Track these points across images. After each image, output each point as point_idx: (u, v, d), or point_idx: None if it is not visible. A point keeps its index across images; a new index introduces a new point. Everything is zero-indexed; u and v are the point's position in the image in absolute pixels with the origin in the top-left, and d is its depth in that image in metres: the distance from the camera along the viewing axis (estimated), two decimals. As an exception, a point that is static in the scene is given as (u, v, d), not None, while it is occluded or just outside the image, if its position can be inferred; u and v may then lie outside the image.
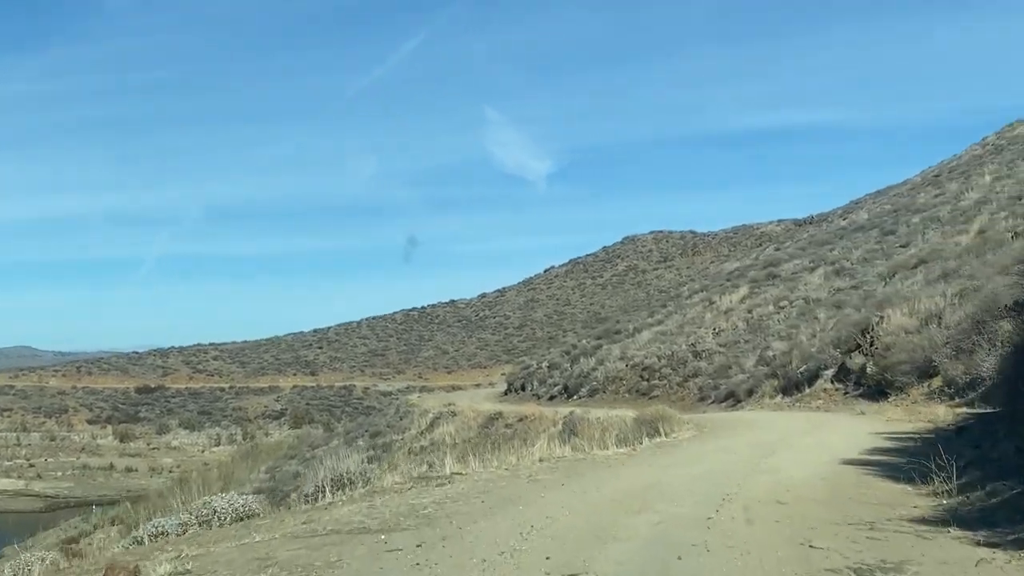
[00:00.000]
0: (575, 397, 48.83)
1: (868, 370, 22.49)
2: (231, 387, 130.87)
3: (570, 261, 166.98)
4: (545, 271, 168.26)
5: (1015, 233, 30.79)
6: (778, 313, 42.35)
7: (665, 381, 41.31)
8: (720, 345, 41.23)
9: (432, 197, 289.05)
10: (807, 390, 25.86)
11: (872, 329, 24.06)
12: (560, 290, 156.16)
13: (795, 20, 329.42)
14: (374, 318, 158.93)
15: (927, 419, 15.90)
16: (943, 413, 15.72)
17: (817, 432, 14.73)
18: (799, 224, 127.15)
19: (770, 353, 33.50)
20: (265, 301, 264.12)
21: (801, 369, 27.20)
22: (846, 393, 23.44)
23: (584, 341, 60.88)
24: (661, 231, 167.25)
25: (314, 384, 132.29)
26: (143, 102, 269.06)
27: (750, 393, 31.09)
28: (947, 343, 19.81)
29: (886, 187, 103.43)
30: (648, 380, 42.60)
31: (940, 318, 22.02)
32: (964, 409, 16.07)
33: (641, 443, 14.56)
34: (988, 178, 53.04)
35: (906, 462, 10.33)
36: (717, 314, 49.65)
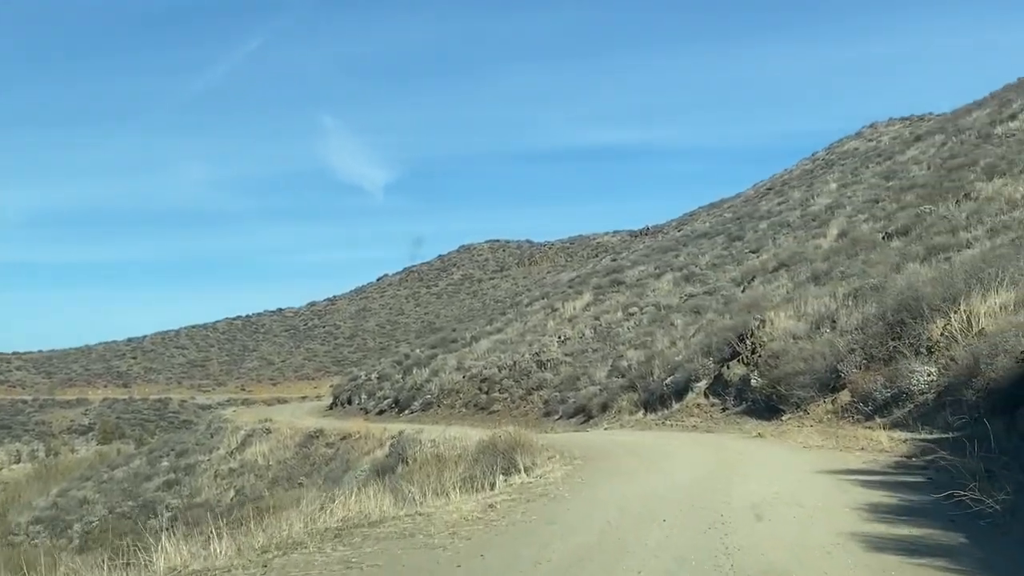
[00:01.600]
0: (407, 412, 44.36)
1: (754, 383, 18.97)
2: (35, 399, 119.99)
3: (404, 270, 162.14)
4: (378, 279, 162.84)
5: (886, 234, 28.32)
6: (628, 320, 39.13)
7: (506, 394, 37.37)
8: (567, 354, 37.62)
9: (265, 205, 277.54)
10: (675, 405, 22.29)
11: (752, 334, 20.63)
12: (394, 299, 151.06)
13: (624, 41, 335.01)
14: (194, 327, 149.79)
15: (862, 446, 12.28)
16: (885, 440, 12.11)
17: (742, 469, 10.77)
18: (635, 235, 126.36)
19: (625, 363, 30.00)
20: (83, 310, 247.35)
21: (667, 381, 23.62)
22: (725, 409, 19.93)
23: (418, 351, 56.47)
24: (497, 240, 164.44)
25: (126, 396, 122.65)
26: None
27: (604, 408, 27.41)
28: (854, 350, 16.41)
29: (719, 200, 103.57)
30: (488, 393, 38.55)
31: (834, 321, 18.74)
32: (905, 434, 12.53)
33: (495, 486, 10.36)
34: (834, 185, 51.71)
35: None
36: (561, 321, 46.16)
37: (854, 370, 15.92)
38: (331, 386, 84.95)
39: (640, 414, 23.99)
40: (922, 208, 28.53)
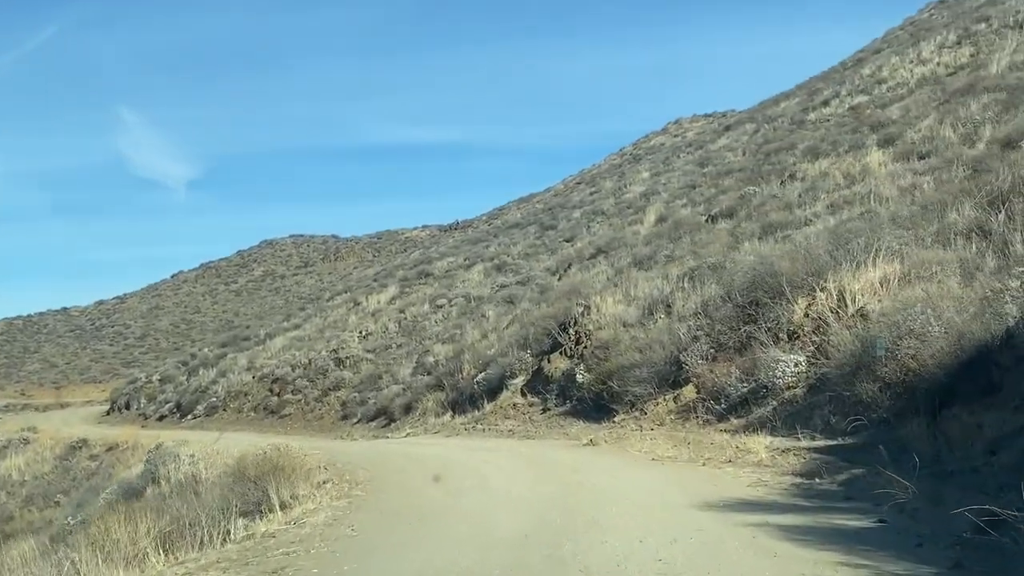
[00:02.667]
0: (189, 417, 39.71)
1: (580, 378, 16.17)
2: None
3: (201, 265, 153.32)
4: (172, 276, 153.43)
5: (710, 216, 26.36)
6: (435, 313, 36.02)
7: (300, 395, 33.53)
8: (368, 350, 34.13)
9: (58, 201, 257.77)
10: (488, 405, 19.34)
11: (575, 322, 17.88)
12: (189, 297, 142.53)
13: (434, 40, 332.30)
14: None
15: (728, 458, 9.51)
16: (761, 450, 9.34)
17: (587, 505, 7.53)
18: (445, 229, 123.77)
19: (431, 359, 26.91)
20: None
21: (478, 378, 20.63)
22: (546, 409, 17.09)
23: (206, 350, 51.52)
24: (301, 235, 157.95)
25: None
26: None
27: (408, 409, 24.23)
28: (698, 337, 13.81)
29: (529, 194, 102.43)
30: (279, 395, 34.58)
31: (670, 305, 16.18)
32: (780, 440, 9.84)
33: (229, 536, 6.94)
34: (646, 174, 50.37)
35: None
36: (364, 316, 42.57)
37: (700, 361, 13.31)
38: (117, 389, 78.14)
39: (448, 416, 20.91)
40: (747, 189, 26.71)
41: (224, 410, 37.69)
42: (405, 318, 36.87)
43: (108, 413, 51.30)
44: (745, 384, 11.95)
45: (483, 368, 21.13)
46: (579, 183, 79.90)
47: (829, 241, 13.33)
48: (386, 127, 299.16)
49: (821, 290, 11.89)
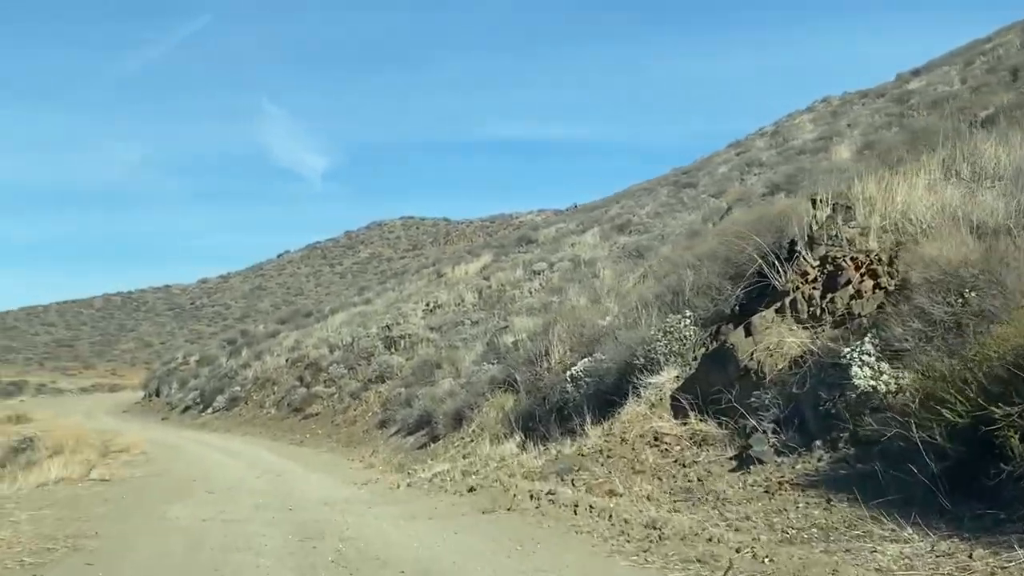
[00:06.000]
0: (209, 410, 30.30)
1: (875, 382, 5.23)
2: None
3: (307, 246, 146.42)
4: (278, 256, 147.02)
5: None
6: (530, 280, 25.50)
7: (334, 388, 23.63)
8: (431, 328, 23.90)
9: (198, 188, 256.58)
10: (591, 430, 8.73)
11: (829, 232, 6.95)
12: (292, 277, 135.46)
13: (558, 37, 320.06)
14: (65, 302, 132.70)
15: None
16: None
17: None
18: (561, 214, 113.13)
19: (509, 338, 16.37)
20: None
21: (575, 369, 10.08)
22: (746, 460, 6.25)
23: (261, 327, 42.30)
24: (411, 217, 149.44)
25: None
26: None
27: (457, 421, 14.28)
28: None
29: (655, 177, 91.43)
30: (309, 386, 24.69)
31: None
32: None
33: None
34: (810, 125, 39.00)
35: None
36: (447, 287, 32.27)
37: None
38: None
39: (514, 444, 10.43)
40: None
41: (246, 403, 28.08)
42: (489, 286, 26.48)
43: (147, 399, 42.49)
44: None
45: (587, 350, 10.55)
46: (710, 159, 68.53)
47: None
48: (508, 123, 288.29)
49: None
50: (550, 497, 7.14)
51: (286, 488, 11.10)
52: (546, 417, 10.37)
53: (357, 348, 24.85)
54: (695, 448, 7.05)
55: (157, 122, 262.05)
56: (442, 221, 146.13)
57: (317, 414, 23.41)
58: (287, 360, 28.52)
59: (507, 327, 17.95)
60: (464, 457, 11.15)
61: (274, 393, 26.82)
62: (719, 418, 7.14)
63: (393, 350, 23.64)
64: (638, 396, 8.55)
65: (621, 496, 6.85)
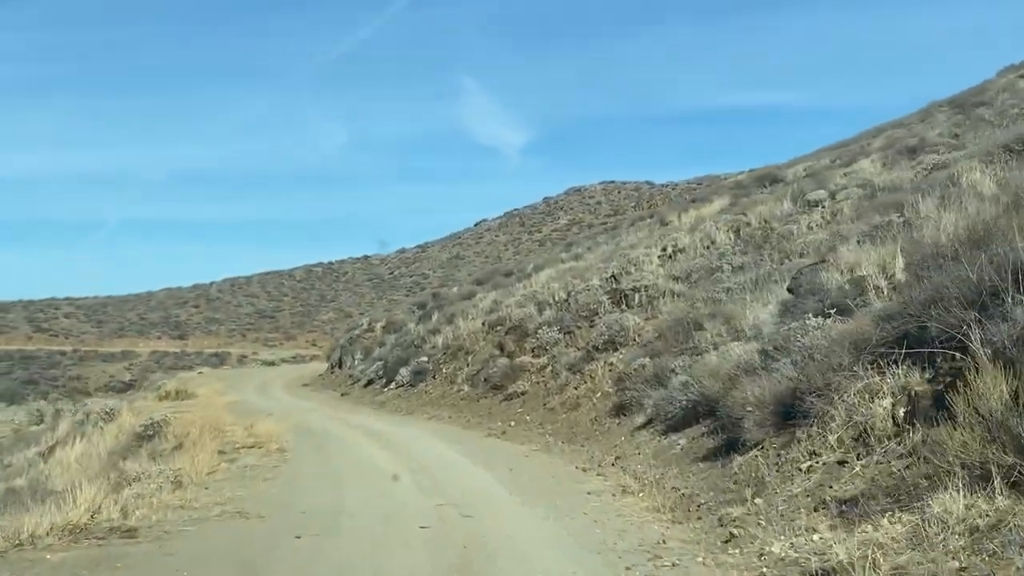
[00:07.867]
0: (392, 385, 25.04)
1: None
2: (75, 351, 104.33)
3: (505, 214, 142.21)
4: (476, 224, 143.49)
5: None
6: (806, 213, 18.58)
7: (545, 358, 17.65)
8: (675, 277, 17.49)
9: (402, 167, 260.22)
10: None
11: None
12: (490, 246, 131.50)
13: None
14: (267, 273, 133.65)
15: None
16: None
17: None
18: (751, 171, 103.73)
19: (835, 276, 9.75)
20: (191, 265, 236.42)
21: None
22: None
23: (455, 289, 36.96)
24: (612, 182, 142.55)
25: (178, 350, 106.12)
26: (102, 63, 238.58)
27: (783, 419, 7.43)
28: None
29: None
30: (511, 355, 18.79)
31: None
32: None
33: None
34: None
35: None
36: (677, 232, 25.66)
37: None
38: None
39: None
40: None
41: (434, 377, 22.57)
42: (748, 224, 19.71)
43: (331, 371, 38.02)
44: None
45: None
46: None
47: None
48: (707, 91, 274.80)
49: None
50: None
51: (483, 556, 5.10)
52: None
53: (575, 304, 18.72)
54: None
55: (360, 101, 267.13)
56: (644, 184, 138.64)
57: (523, 393, 17.47)
58: (484, 323, 22.73)
59: (824, 262, 11.30)
60: (807, 489, 4.68)
61: (468, 365, 21.13)
62: None
63: (624, 306, 17.37)
64: None
65: None
